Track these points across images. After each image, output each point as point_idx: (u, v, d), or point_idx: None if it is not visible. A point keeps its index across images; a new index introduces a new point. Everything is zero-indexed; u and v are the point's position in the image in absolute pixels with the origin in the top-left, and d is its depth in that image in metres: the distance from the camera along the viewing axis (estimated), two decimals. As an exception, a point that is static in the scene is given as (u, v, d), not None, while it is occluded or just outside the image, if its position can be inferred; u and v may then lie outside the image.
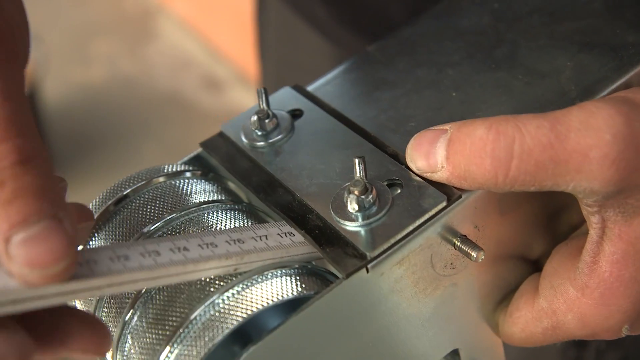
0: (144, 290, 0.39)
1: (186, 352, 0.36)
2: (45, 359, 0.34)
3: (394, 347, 0.42)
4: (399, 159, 0.42)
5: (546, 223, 0.46)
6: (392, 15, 0.71)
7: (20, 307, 0.32)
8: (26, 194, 0.32)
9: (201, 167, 0.47)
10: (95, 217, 0.44)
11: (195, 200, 0.43)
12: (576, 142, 0.37)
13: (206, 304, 0.37)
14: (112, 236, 0.43)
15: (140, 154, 2.11)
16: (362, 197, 0.39)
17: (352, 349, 0.40)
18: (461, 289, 0.43)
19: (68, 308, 0.35)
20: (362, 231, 0.39)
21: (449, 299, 0.43)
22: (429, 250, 0.40)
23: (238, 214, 0.43)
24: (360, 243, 0.38)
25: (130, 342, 0.39)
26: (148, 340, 0.38)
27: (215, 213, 0.42)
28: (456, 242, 0.40)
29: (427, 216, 0.39)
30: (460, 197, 0.40)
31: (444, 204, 0.39)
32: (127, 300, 0.40)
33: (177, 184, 0.44)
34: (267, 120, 0.45)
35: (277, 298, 0.37)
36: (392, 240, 0.38)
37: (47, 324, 0.34)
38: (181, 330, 0.37)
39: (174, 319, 0.37)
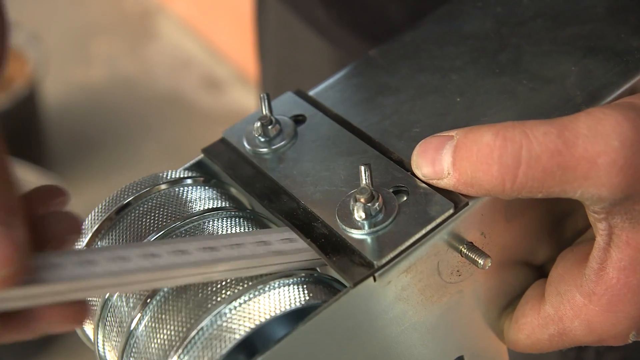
0: (149, 299, 0.39)
1: (194, 362, 0.36)
2: (20, 337, 0.34)
3: (400, 355, 0.41)
4: (404, 165, 0.42)
5: (551, 228, 0.45)
6: (392, 17, 0.70)
7: None
8: None
9: (203, 173, 0.47)
10: (97, 225, 0.43)
11: (199, 208, 0.43)
12: (584, 149, 0.37)
13: (213, 313, 0.37)
14: (114, 245, 0.43)
15: (140, 154, 2.11)
16: (369, 205, 0.39)
17: (358, 358, 0.40)
18: (467, 295, 0.43)
19: None
20: (369, 239, 0.39)
21: (455, 306, 0.42)
22: (436, 257, 0.40)
23: (242, 221, 0.43)
24: (366, 251, 0.38)
25: (135, 352, 0.39)
26: (154, 350, 0.38)
27: (218, 221, 0.42)
28: (463, 249, 0.40)
29: (434, 224, 0.39)
30: (467, 204, 0.40)
31: (451, 211, 0.39)
32: (132, 310, 0.40)
33: (179, 192, 0.44)
34: (270, 127, 0.45)
35: (285, 307, 0.37)
36: (399, 249, 0.38)
37: None
38: (188, 341, 0.36)
39: (181, 329, 0.37)
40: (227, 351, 0.35)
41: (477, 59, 0.48)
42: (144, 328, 0.39)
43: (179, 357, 0.36)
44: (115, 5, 2.62)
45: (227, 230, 0.41)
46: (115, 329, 0.41)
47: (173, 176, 0.45)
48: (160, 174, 0.46)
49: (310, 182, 0.43)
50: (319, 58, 0.80)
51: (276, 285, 0.38)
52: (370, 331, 0.39)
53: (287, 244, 0.40)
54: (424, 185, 0.40)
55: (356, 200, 0.39)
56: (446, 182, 0.39)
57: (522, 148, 0.37)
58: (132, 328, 0.39)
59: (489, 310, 0.45)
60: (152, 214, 0.43)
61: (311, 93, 0.49)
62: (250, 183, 0.44)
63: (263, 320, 0.36)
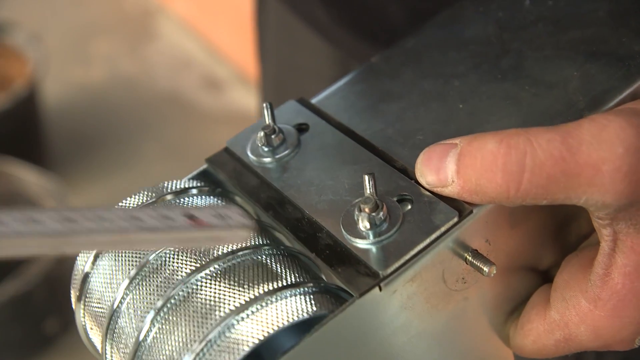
0: (158, 310, 0.39)
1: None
2: None
3: (407, 362, 0.42)
4: (408, 173, 0.42)
5: (556, 233, 0.45)
6: (392, 17, 0.70)
7: None
8: None
9: (208, 182, 0.47)
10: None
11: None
12: (588, 155, 0.37)
13: (222, 325, 0.37)
14: (119, 254, 0.43)
15: (140, 154, 2.11)
16: (373, 214, 0.39)
17: (365, 367, 0.40)
18: (472, 302, 0.43)
19: None
20: (374, 249, 0.39)
21: (460, 313, 0.42)
22: (441, 266, 0.40)
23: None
24: (372, 261, 0.38)
25: (142, 363, 0.39)
26: (162, 363, 0.38)
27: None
28: (468, 256, 0.40)
29: (438, 232, 0.39)
30: (471, 212, 0.40)
31: (456, 219, 0.39)
32: (140, 321, 0.40)
33: (185, 202, 0.44)
34: (273, 136, 0.45)
35: (293, 318, 0.37)
36: (405, 258, 0.38)
37: None
38: (197, 354, 0.36)
39: (189, 341, 0.37)
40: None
41: (479, 65, 0.48)
42: (152, 339, 0.39)
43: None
44: (115, 5, 2.62)
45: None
46: (123, 340, 0.41)
47: (178, 186, 0.45)
48: (165, 184, 0.45)
49: (314, 191, 0.43)
50: (319, 58, 0.79)
51: (284, 296, 0.38)
52: (376, 340, 0.39)
53: (163, 221, 0.35)
54: (428, 193, 0.40)
55: (361, 210, 0.39)
56: (450, 190, 0.39)
57: (526, 155, 0.37)
58: (140, 339, 0.39)
59: (494, 316, 0.45)
60: None
61: (313, 101, 0.49)
62: (255, 193, 0.44)
63: (272, 331, 0.36)
